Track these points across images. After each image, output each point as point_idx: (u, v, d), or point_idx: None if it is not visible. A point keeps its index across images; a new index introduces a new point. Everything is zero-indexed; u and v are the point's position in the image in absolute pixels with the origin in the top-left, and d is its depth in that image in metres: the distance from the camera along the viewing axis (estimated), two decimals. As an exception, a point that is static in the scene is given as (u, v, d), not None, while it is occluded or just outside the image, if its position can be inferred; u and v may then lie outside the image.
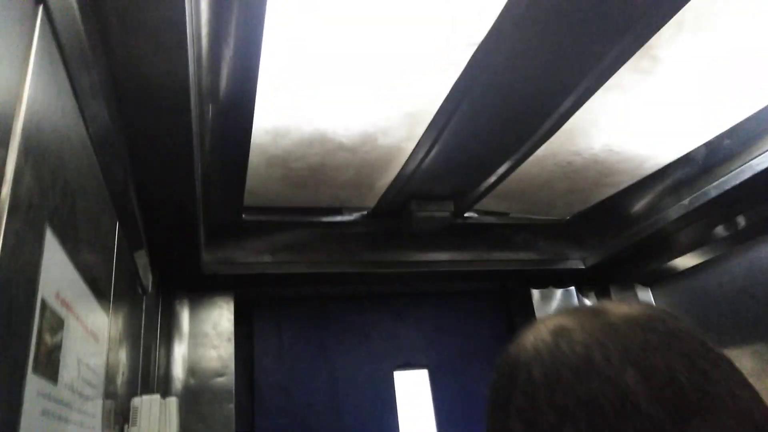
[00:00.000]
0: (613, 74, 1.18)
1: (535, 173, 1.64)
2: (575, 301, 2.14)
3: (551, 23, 1.00)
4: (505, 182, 1.64)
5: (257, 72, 1.01)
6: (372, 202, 1.73)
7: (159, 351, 1.60)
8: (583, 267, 2.05)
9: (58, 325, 0.65)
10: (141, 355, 1.38)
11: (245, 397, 1.85)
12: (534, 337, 0.53)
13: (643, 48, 1.11)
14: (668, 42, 1.12)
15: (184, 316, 1.73)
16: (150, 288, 1.47)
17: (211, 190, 1.45)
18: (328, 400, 1.91)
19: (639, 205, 1.83)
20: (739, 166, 1.50)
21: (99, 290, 0.89)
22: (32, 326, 0.57)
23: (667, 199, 1.74)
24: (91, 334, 0.83)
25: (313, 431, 1.87)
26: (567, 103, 1.27)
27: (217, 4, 0.86)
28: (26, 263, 0.58)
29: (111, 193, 0.96)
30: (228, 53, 0.97)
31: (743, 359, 1.68)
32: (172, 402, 1.12)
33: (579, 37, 1.04)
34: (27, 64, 0.56)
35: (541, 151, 1.48)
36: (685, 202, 1.66)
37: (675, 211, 1.70)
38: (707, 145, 1.51)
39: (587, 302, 2.16)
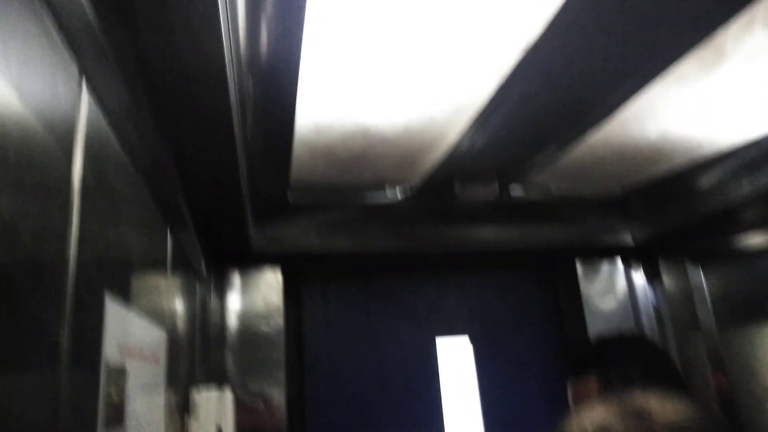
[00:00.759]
0: (672, 67, 1.09)
1: (585, 154, 1.57)
2: (622, 275, 2.10)
3: (611, 16, 0.92)
4: (553, 163, 1.59)
5: (300, 40, 0.92)
6: (417, 181, 1.71)
7: (213, 329, 1.70)
8: (632, 241, 2.00)
9: (121, 376, 0.71)
10: (198, 339, 1.48)
11: (296, 365, 1.95)
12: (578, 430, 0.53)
13: (708, 41, 1.02)
14: (736, 37, 1.02)
15: (236, 292, 1.82)
16: (203, 272, 1.55)
17: (256, 172, 1.47)
18: (373, 366, 2.00)
19: (696, 185, 1.74)
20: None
21: (156, 312, 0.94)
22: (98, 398, 0.62)
23: (726, 181, 1.65)
24: (151, 360, 0.89)
25: (359, 396, 1.97)
26: (621, 94, 1.20)
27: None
28: (90, 330, 0.63)
29: (157, 199, 0.99)
30: (267, 21, 0.91)
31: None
32: (227, 394, 1.21)
33: (639, 29, 0.96)
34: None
35: (592, 138, 1.42)
36: (746, 183, 1.57)
37: (734, 192, 1.62)
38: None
39: (634, 276, 2.13)
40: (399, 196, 1.79)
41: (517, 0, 0.88)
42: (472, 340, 2.09)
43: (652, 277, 2.14)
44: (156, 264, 0.99)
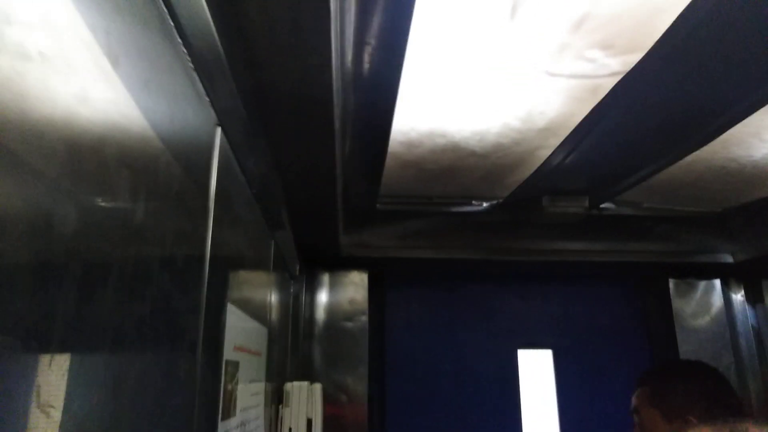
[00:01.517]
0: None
1: (682, 171, 1.52)
2: (719, 294, 2.00)
3: (717, 44, 0.91)
4: (647, 181, 1.55)
5: (402, 62, 0.95)
6: (503, 194, 1.74)
7: (304, 326, 1.83)
8: (732, 261, 1.90)
9: (235, 370, 0.81)
10: (290, 334, 1.60)
11: (378, 363, 2.04)
12: None
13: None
14: None
15: (325, 291, 1.94)
16: (297, 272, 1.67)
17: (350, 183, 1.56)
18: (453, 371, 2.05)
19: (808, 207, 1.63)
20: None
21: (260, 315, 1.06)
22: (220, 386, 0.73)
23: None
24: (256, 354, 1.00)
25: (437, 398, 2.03)
26: (724, 121, 1.16)
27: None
28: (216, 331, 0.73)
29: (265, 211, 1.10)
30: (371, 46, 0.97)
31: None
32: (317, 388, 1.31)
33: (745, 59, 0.94)
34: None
35: (690, 157, 1.38)
36: None
37: None
38: None
39: (733, 296, 2.02)
40: (485, 207, 1.82)
41: (620, 25, 0.89)
42: (555, 354, 2.08)
43: (754, 298, 2.02)
44: (262, 268, 1.11)
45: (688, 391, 1.35)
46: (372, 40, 0.90)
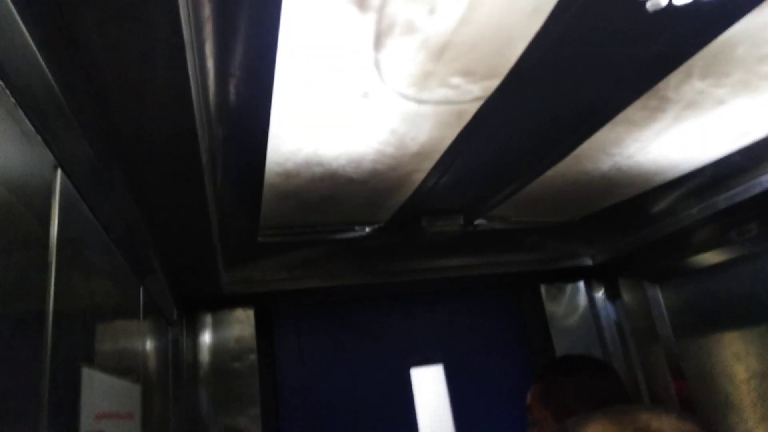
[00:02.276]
0: (618, 114, 1.18)
1: (543, 188, 1.65)
2: (583, 295, 2.19)
3: (566, 70, 0.99)
4: (514, 196, 1.66)
5: (271, 85, 0.92)
6: (383, 218, 1.76)
7: (186, 372, 1.69)
8: (592, 264, 2.09)
9: (100, 443, 0.72)
10: (171, 384, 1.48)
11: (271, 400, 1.95)
12: None
13: (652, 90, 1.11)
14: (677, 86, 1.11)
15: (208, 332, 1.82)
16: (174, 317, 1.55)
17: (226, 218, 1.49)
18: (349, 399, 2.02)
19: (649, 210, 1.84)
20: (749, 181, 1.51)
21: (129, 371, 0.95)
22: (80, 466, 0.63)
23: (677, 206, 1.75)
24: (126, 417, 0.90)
25: (335, 429, 1.98)
26: (576, 137, 1.28)
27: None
28: (68, 402, 0.64)
29: (129, 257, 1.00)
30: (236, 77, 0.92)
31: (748, 360, 1.74)
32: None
33: (586, 84, 1.04)
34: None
35: (549, 172, 1.50)
36: (694, 211, 1.67)
37: (686, 216, 1.73)
38: (716, 163, 1.51)
39: (596, 295, 2.22)
40: (366, 232, 1.83)
41: (478, 53, 0.94)
42: (446, 368, 2.13)
43: (613, 295, 2.23)
44: (129, 318, 1.01)
45: (577, 390, 1.35)
46: (236, 71, 0.87)
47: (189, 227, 1.10)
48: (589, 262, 2.09)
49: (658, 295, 2.10)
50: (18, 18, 0.47)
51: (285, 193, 1.46)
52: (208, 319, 1.81)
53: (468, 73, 0.96)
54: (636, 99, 1.11)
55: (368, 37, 0.84)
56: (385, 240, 1.86)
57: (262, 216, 1.58)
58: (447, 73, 0.95)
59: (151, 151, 0.79)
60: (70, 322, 0.64)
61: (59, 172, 0.61)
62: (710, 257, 1.87)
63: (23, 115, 0.51)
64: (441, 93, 1.02)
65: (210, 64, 0.78)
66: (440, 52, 0.89)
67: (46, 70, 0.50)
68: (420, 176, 1.44)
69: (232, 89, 0.93)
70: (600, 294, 2.23)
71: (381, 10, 0.80)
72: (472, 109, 1.09)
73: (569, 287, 2.19)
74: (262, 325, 1.91)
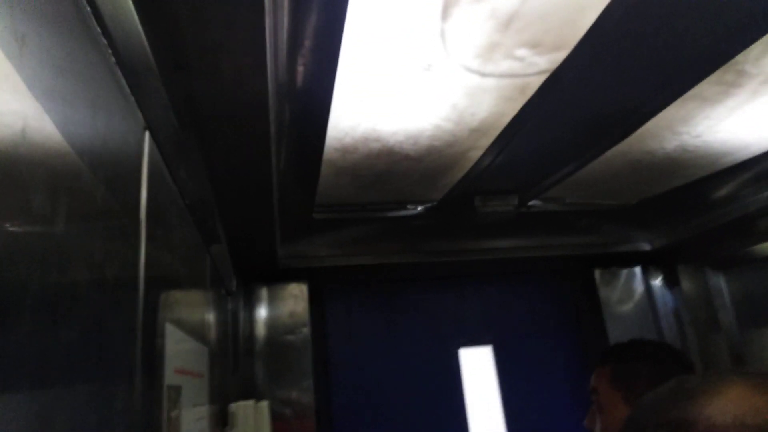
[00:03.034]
0: (690, 88, 1.13)
1: (602, 169, 1.61)
2: (640, 280, 2.13)
3: (635, 42, 0.96)
4: (571, 177, 1.63)
5: (335, 70, 0.97)
6: (435, 198, 1.76)
7: (243, 342, 1.76)
8: (649, 249, 2.03)
9: (177, 395, 0.76)
10: (230, 351, 1.53)
11: (322, 374, 2.00)
12: None
13: (728, 63, 1.06)
14: (757, 59, 1.05)
15: (263, 305, 1.88)
16: (234, 288, 1.60)
17: (286, 193, 1.52)
18: (397, 376, 2.04)
19: (713, 194, 1.77)
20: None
21: (199, 334, 1.00)
22: (162, 415, 0.67)
23: (745, 190, 1.68)
24: (198, 376, 0.94)
25: (383, 404, 2.02)
26: (641, 115, 1.24)
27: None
28: (155, 355, 0.68)
29: (199, 225, 1.04)
30: (304, 55, 0.94)
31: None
32: (264, 406, 1.26)
33: (659, 56, 1.00)
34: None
35: (609, 152, 1.46)
36: (764, 195, 1.60)
37: (753, 202, 1.65)
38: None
39: (653, 282, 2.15)
40: (419, 211, 1.83)
41: (547, 24, 0.92)
42: (495, 350, 2.13)
43: (671, 282, 2.16)
44: (198, 284, 1.05)
45: (651, 375, 1.30)
46: (306, 41, 0.88)
47: (253, 198, 1.13)
48: (646, 247, 2.03)
49: (721, 283, 2.02)
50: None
51: (342, 170, 1.48)
52: (264, 292, 1.87)
53: (535, 45, 0.94)
54: (712, 72, 1.06)
55: (436, 5, 0.84)
56: (437, 219, 1.86)
57: (318, 193, 1.61)
58: (513, 44, 0.94)
59: (224, 120, 0.82)
60: (156, 283, 0.67)
61: (147, 134, 0.64)
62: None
63: (121, 75, 0.53)
64: (506, 65, 1.01)
65: (283, 32, 0.80)
66: (508, 22, 0.88)
67: (142, 33, 0.52)
68: (476, 154, 1.43)
69: (300, 60, 0.95)
70: (658, 281, 2.16)
71: (451, -21, 0.79)
72: (536, 83, 1.07)
73: (624, 272, 2.14)
74: (315, 300, 1.96)
